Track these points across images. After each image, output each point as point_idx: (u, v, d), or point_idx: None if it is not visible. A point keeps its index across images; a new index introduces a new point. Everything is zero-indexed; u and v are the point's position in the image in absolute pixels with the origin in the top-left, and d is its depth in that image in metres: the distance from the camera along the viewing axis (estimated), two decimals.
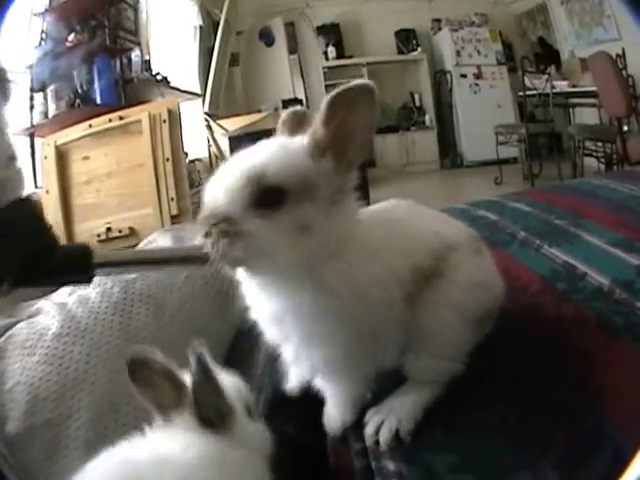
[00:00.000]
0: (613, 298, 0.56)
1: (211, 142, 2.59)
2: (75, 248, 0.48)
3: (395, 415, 0.44)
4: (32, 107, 2.31)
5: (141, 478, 0.30)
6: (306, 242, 0.35)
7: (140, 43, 2.68)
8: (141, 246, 0.80)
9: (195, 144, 2.47)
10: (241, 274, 0.40)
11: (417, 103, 4.65)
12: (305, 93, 4.31)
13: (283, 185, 0.35)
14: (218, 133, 2.62)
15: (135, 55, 2.53)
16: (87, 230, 1.77)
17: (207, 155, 2.60)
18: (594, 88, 3.13)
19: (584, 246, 0.72)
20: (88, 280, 0.47)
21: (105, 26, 2.40)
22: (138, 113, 1.85)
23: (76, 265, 0.46)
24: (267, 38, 4.12)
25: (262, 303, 0.40)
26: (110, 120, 1.84)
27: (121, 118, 1.85)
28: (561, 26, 4.14)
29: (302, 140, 0.37)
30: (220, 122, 2.66)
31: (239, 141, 1.99)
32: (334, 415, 0.46)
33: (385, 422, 0.44)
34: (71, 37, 2.28)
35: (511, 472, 0.37)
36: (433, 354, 0.44)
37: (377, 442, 0.43)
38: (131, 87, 2.42)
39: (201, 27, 3.23)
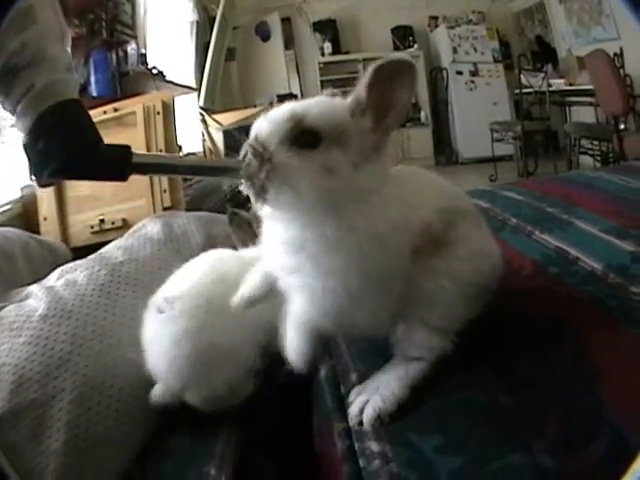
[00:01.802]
0: (607, 282, 0.55)
1: (206, 136, 2.57)
2: (116, 149, 0.53)
3: (380, 394, 0.42)
4: None
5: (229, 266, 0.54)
6: (329, 183, 0.38)
7: (137, 37, 2.66)
8: (131, 231, 0.80)
9: (190, 138, 2.45)
10: (264, 207, 0.42)
11: (413, 100, 4.64)
12: (300, 88, 4.29)
13: (319, 130, 0.38)
14: (213, 127, 2.61)
15: (131, 48, 2.50)
16: (81, 222, 1.71)
17: (202, 150, 2.58)
18: (591, 86, 3.12)
19: (577, 233, 0.71)
20: (124, 178, 0.52)
21: (103, 19, 2.38)
22: (132, 105, 1.81)
23: (115, 164, 0.51)
24: (263, 33, 4.10)
25: (281, 232, 0.41)
26: (105, 112, 1.79)
27: (116, 110, 1.81)
28: (559, 25, 4.14)
29: (346, 100, 0.42)
30: (215, 117, 2.65)
31: (233, 135, 2.01)
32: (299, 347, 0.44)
33: (369, 401, 0.42)
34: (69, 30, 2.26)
35: (503, 454, 0.35)
36: (424, 324, 0.43)
37: (361, 422, 0.42)
38: (127, 80, 2.39)
39: (197, 22, 3.20)
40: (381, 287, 0.41)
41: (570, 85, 3.73)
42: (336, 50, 4.44)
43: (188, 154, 2.36)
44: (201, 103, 2.78)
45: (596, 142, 3.24)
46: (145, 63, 2.55)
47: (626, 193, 0.89)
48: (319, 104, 0.41)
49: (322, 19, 4.36)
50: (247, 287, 0.49)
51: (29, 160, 0.54)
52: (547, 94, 3.61)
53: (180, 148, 2.13)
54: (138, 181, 1.72)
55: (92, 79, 2.23)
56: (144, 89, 2.29)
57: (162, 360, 0.51)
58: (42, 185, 0.58)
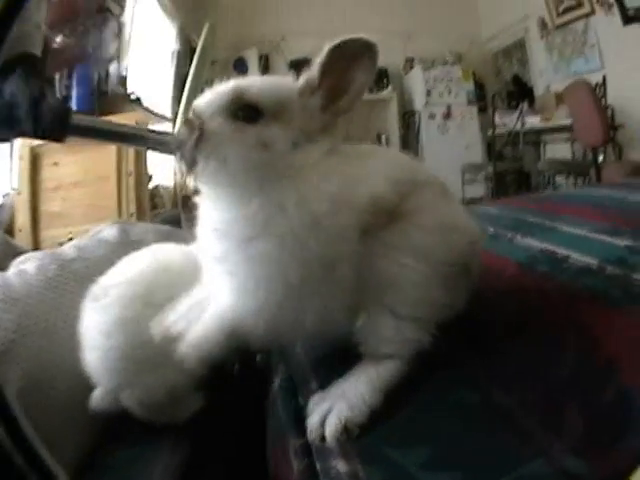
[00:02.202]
0: (605, 274, 0.49)
1: (177, 171, 2.51)
2: (58, 107, 0.49)
3: (346, 401, 0.34)
4: None
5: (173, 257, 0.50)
6: (260, 156, 0.35)
7: (119, 57, 2.65)
8: (90, 234, 0.79)
9: (161, 170, 2.40)
10: (198, 184, 0.39)
11: (384, 143, 4.52)
12: None
13: (259, 104, 0.36)
14: None
15: (113, 68, 2.51)
16: (51, 237, 1.72)
17: (172, 184, 2.52)
18: (568, 122, 3.15)
19: (563, 235, 0.66)
20: (60, 139, 0.49)
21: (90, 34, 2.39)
22: None
23: (54, 121, 0.47)
24: (241, 69, 4.14)
25: (210, 215, 0.38)
26: None
27: None
28: (539, 61, 4.14)
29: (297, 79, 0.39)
30: None
31: None
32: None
33: (333, 410, 0.34)
34: (59, 39, 2.26)
35: (517, 463, 0.27)
36: (392, 314, 0.36)
37: (323, 437, 0.33)
38: (105, 99, 2.37)
39: (179, 52, 3.22)
40: (326, 277, 0.35)
41: (547, 121, 3.75)
42: None
43: (157, 186, 2.29)
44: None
45: (571, 177, 3.27)
46: (124, 86, 2.54)
47: (609, 202, 0.85)
48: (264, 80, 0.39)
49: (299, 58, 4.34)
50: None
51: None
52: (521, 134, 3.71)
53: (150, 178, 2.09)
54: (108, 202, 1.78)
55: (73, 93, 2.24)
56: (120, 111, 2.27)
57: (94, 353, 0.47)
58: None
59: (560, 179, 3.42)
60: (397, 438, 0.31)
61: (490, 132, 3.96)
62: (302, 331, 0.38)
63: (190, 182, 0.38)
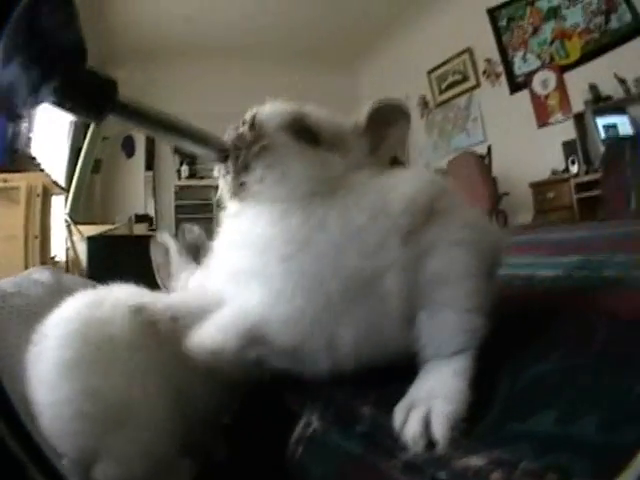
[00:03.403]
0: (575, 277, 0.55)
1: (69, 245, 2.28)
2: (102, 76, 0.35)
3: (442, 398, 0.31)
4: None
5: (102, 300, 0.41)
6: (321, 178, 0.37)
7: (30, 118, 2.46)
8: (20, 275, 0.72)
9: (55, 243, 2.15)
10: (237, 203, 0.39)
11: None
12: (155, 211, 4.09)
13: (319, 131, 0.38)
14: (76, 237, 2.35)
15: (24, 128, 2.37)
16: None
17: (64, 257, 2.25)
18: None
19: (514, 265, 0.72)
20: (101, 115, 0.34)
21: None
22: (19, 180, 1.86)
23: (98, 92, 0.34)
24: (128, 148, 4.00)
25: (245, 231, 0.37)
26: None
27: (5, 181, 1.84)
28: (418, 140, 4.07)
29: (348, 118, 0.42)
30: (79, 227, 2.42)
31: (97, 245, 2.00)
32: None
33: (432, 410, 0.30)
34: None
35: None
36: (452, 307, 0.35)
37: (430, 444, 0.29)
38: (15, 157, 2.26)
39: (75, 124, 3.04)
40: (370, 291, 0.34)
41: None
42: (192, 174, 4.30)
43: (53, 257, 2.03)
44: (67, 210, 2.50)
45: None
46: (30, 147, 2.43)
47: (535, 241, 0.98)
48: (321, 111, 0.41)
49: None
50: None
51: None
52: None
53: None
54: (14, 262, 1.68)
55: None
56: (27, 171, 2.15)
57: (45, 412, 0.37)
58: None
59: None
60: (510, 414, 0.29)
61: None
62: (334, 348, 0.35)
63: (227, 189, 0.38)
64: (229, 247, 0.39)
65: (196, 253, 0.51)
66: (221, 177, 0.39)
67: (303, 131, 0.38)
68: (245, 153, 0.36)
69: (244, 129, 0.37)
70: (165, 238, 0.49)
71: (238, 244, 0.37)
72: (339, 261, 0.34)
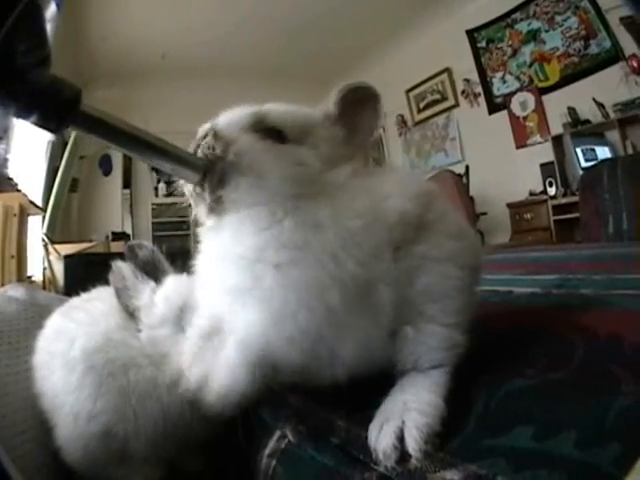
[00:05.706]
0: (553, 295, 0.56)
1: (46, 264, 2.22)
2: (65, 82, 0.32)
3: (415, 411, 0.30)
4: None
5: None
6: (299, 173, 0.35)
7: (7, 140, 2.41)
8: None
9: (32, 262, 2.09)
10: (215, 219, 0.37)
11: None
12: (132, 228, 4.09)
13: (283, 128, 0.37)
14: (53, 257, 2.30)
15: (1, 149, 2.32)
16: None
17: (42, 277, 2.20)
18: None
19: (494, 280, 0.72)
20: (57, 127, 0.31)
21: None
22: None
23: (57, 100, 0.30)
24: (106, 167, 3.99)
25: (229, 245, 0.35)
26: None
27: None
28: (396, 159, 4.10)
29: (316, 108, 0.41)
30: (56, 246, 2.37)
31: (74, 264, 1.98)
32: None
33: (405, 423, 0.30)
34: None
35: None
36: (440, 322, 0.35)
37: (402, 457, 0.28)
38: None
39: (53, 143, 2.99)
40: (364, 301, 0.33)
41: None
42: (170, 192, 4.42)
43: (30, 277, 1.99)
44: (44, 229, 2.44)
45: None
46: (6, 168, 2.38)
47: (516, 259, 1.00)
48: (283, 107, 0.39)
49: None
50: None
51: None
52: None
53: None
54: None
55: None
56: (3, 191, 2.10)
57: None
58: None
59: None
60: (487, 429, 0.29)
61: None
62: (338, 362, 0.34)
63: (204, 215, 0.37)
64: (212, 263, 0.37)
65: (153, 268, 0.50)
66: (194, 196, 0.37)
67: (267, 130, 0.36)
68: (220, 165, 0.34)
69: (208, 140, 0.35)
70: (119, 264, 0.49)
71: (222, 258, 0.35)
72: (337, 267, 0.32)
